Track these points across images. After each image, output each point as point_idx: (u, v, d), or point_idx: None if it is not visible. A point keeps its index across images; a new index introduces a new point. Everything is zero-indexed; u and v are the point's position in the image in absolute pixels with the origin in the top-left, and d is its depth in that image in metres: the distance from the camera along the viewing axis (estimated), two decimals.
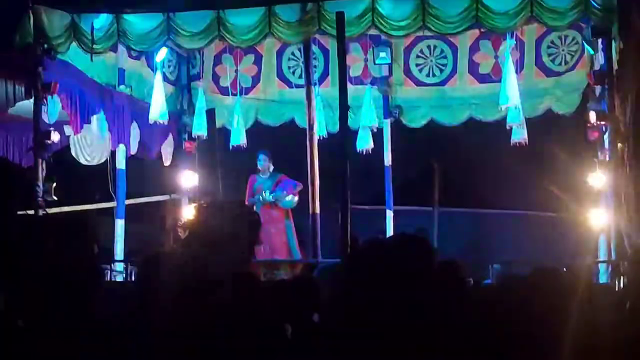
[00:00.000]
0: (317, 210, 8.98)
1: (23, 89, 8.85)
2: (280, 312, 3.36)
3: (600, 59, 9.05)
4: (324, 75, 10.59)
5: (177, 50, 10.27)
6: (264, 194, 10.11)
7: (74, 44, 9.21)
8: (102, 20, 9.25)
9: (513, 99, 9.47)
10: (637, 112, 7.91)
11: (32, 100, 8.82)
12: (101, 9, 9.25)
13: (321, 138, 9.59)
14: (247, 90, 11.03)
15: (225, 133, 10.78)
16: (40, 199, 8.71)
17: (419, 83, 10.93)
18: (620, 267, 8.04)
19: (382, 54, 10.28)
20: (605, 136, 8.88)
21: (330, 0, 8.90)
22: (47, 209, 8.73)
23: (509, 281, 2.96)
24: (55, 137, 8.92)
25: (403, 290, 2.33)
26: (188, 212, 9.82)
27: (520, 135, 9.93)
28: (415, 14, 8.78)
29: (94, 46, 9.21)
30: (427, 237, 2.70)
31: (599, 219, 8.89)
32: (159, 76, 10.00)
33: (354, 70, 10.62)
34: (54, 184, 8.89)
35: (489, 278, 9.00)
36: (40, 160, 8.89)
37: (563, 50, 10.29)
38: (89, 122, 9.53)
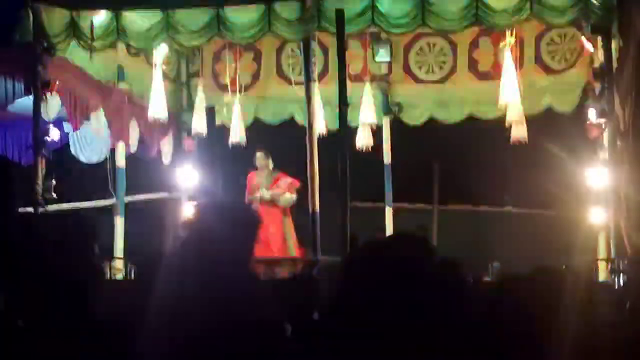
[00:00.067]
0: (317, 208, 8.98)
1: (22, 86, 8.86)
2: (280, 311, 3.35)
3: (600, 56, 9.05)
4: (324, 72, 10.58)
5: (176, 47, 10.26)
6: (261, 192, 10.12)
7: (73, 41, 9.21)
8: (101, 18, 9.24)
9: (512, 96, 9.47)
10: (636, 110, 7.91)
11: (31, 97, 8.82)
12: (100, 7, 9.24)
13: (321, 135, 9.59)
14: (247, 88, 11.02)
15: (224, 131, 10.78)
16: (39, 197, 8.71)
17: (418, 80, 10.93)
18: (619, 265, 8.05)
19: (382, 51, 10.27)
20: (605, 134, 8.88)
21: None
22: (46, 207, 8.74)
23: (508, 280, 2.96)
24: (55, 135, 8.92)
25: (402, 289, 2.33)
26: (188, 211, 9.83)
27: (519, 133, 9.93)
28: (414, 11, 8.78)
29: (94, 44, 9.20)
30: (426, 235, 2.71)
31: (599, 218, 8.89)
32: (158, 74, 9.99)
33: (354, 68, 10.61)
34: (54, 182, 8.90)
35: (488, 276, 9.02)
36: (39, 158, 8.89)
37: (563, 48, 10.28)
38: (88, 119, 9.53)
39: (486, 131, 10.47)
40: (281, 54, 10.98)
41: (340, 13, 8.52)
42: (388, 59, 10.44)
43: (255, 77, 11.11)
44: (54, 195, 8.88)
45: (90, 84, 9.49)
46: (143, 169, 10.55)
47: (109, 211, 9.94)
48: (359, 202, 9.90)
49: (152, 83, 9.87)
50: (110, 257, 9.23)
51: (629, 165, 8.06)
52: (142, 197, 10.84)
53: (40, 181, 8.78)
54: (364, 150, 10.63)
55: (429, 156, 12.04)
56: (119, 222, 9.82)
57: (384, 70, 10.85)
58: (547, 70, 10.38)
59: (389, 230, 10.48)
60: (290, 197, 10.17)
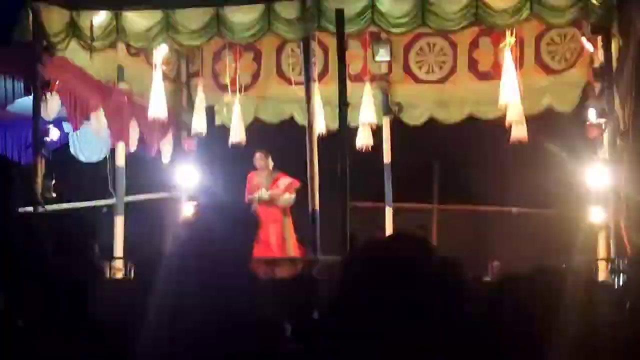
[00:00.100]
0: (317, 208, 8.98)
1: (22, 86, 8.86)
2: (280, 311, 3.36)
3: (600, 56, 9.05)
4: (324, 72, 10.58)
5: (176, 47, 10.26)
6: (261, 192, 10.13)
7: (73, 41, 9.21)
8: (101, 18, 9.24)
9: (512, 96, 9.47)
10: (636, 109, 7.91)
11: (31, 97, 8.82)
12: (100, 6, 9.24)
13: (321, 135, 9.59)
14: (247, 88, 11.02)
15: (224, 130, 10.78)
16: (39, 196, 8.71)
17: (418, 80, 10.92)
18: (619, 265, 8.05)
19: (382, 51, 10.27)
20: (605, 134, 8.88)
21: None
22: (46, 207, 8.74)
23: (508, 280, 2.96)
24: (55, 135, 8.92)
25: (402, 289, 2.33)
26: (187, 211, 9.83)
27: (519, 132, 9.93)
28: (414, 11, 8.78)
29: (93, 43, 9.20)
30: (426, 235, 2.71)
31: (599, 217, 8.89)
32: (158, 73, 9.98)
33: (354, 68, 10.61)
34: (54, 181, 8.90)
35: (488, 276, 9.02)
36: (39, 158, 8.89)
37: (563, 48, 10.28)
38: (88, 119, 9.53)
39: (486, 131, 10.47)
40: (281, 54, 10.98)
41: (340, 13, 8.52)
42: (388, 59, 10.43)
43: (255, 77, 11.11)
44: (54, 195, 8.88)
45: (90, 83, 9.49)
46: (143, 169, 10.55)
47: (108, 211, 9.95)
48: (359, 202, 9.89)
49: (152, 83, 9.87)
50: (110, 256, 9.23)
51: (629, 165, 8.06)
52: (142, 197, 10.84)
53: (39, 181, 8.78)
54: (364, 150, 10.62)
55: (429, 156, 12.03)
56: (119, 222, 9.82)
57: (384, 70, 10.85)
58: (547, 70, 10.38)
59: (389, 230, 10.48)
60: (289, 197, 10.18)
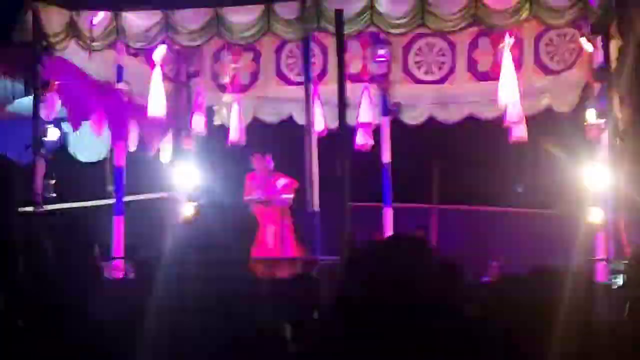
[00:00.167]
0: (317, 208, 8.98)
1: (22, 86, 8.86)
2: (280, 311, 3.36)
3: (599, 56, 9.05)
4: (323, 72, 10.58)
5: (176, 47, 10.26)
6: (259, 192, 10.14)
7: (72, 41, 9.21)
8: (100, 18, 9.24)
9: (512, 96, 9.47)
10: (635, 110, 7.92)
11: (30, 97, 8.82)
12: (100, 7, 9.24)
13: (320, 135, 9.58)
14: (246, 87, 11.02)
15: (223, 130, 10.78)
16: (39, 196, 8.71)
17: (417, 81, 10.91)
18: (618, 266, 8.05)
19: (381, 52, 10.27)
20: (604, 134, 8.88)
21: None
22: (46, 207, 8.74)
23: (508, 280, 2.96)
24: (54, 135, 8.92)
25: (402, 290, 2.33)
26: (187, 211, 9.83)
27: (519, 133, 9.92)
28: (414, 11, 8.78)
29: (93, 43, 9.21)
30: (426, 236, 2.72)
31: (598, 217, 8.89)
32: (157, 73, 9.98)
33: (353, 68, 10.61)
34: (54, 181, 8.90)
35: (487, 276, 9.02)
36: (38, 158, 8.89)
37: (562, 48, 10.27)
38: (87, 119, 9.53)
39: (485, 131, 10.47)
40: (280, 54, 10.97)
41: (339, 14, 8.52)
42: (387, 59, 10.43)
43: (255, 77, 11.10)
44: (54, 194, 8.88)
45: (90, 84, 9.48)
46: (142, 169, 10.55)
47: (108, 211, 9.95)
48: (358, 202, 9.89)
49: (151, 83, 9.87)
50: (110, 257, 9.23)
51: (628, 165, 8.06)
52: (142, 196, 10.84)
53: (39, 181, 8.78)
54: (363, 150, 10.62)
55: (429, 156, 12.03)
56: (119, 222, 9.82)
57: (383, 70, 10.84)
58: (546, 70, 10.37)
59: (389, 231, 10.48)
60: (288, 197, 10.18)
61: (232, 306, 2.69)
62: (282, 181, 10.27)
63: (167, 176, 10.81)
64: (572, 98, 10.17)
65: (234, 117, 10.68)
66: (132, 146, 10.18)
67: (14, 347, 2.59)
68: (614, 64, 8.53)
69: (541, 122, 10.23)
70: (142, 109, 10.00)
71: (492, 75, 10.35)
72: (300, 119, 10.43)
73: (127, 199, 10.09)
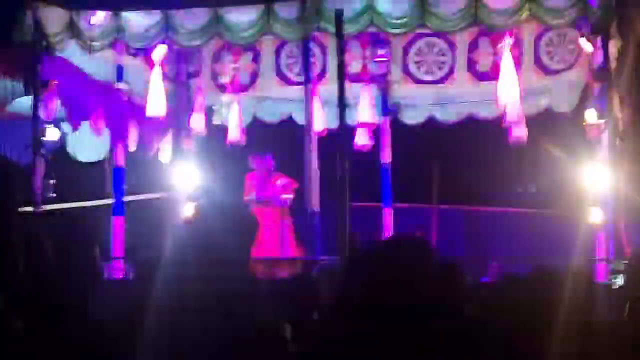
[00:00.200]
0: (316, 208, 8.97)
1: (21, 86, 8.86)
2: (280, 311, 3.36)
3: (599, 57, 9.05)
4: (323, 72, 10.57)
5: (175, 47, 10.25)
6: (259, 192, 10.14)
7: (72, 41, 9.21)
8: (100, 18, 9.24)
9: (511, 97, 9.47)
10: (635, 110, 7.92)
11: (30, 97, 8.82)
12: (100, 7, 9.24)
13: (319, 135, 9.58)
14: (246, 87, 11.01)
15: (223, 130, 10.78)
16: (38, 197, 8.71)
17: (417, 81, 10.91)
18: (618, 266, 8.05)
19: (381, 52, 10.27)
20: (604, 134, 8.88)
21: None
22: (45, 207, 8.73)
23: (508, 281, 2.96)
24: (54, 135, 8.91)
25: (402, 291, 2.33)
26: (186, 211, 9.82)
27: (518, 133, 9.92)
28: (413, 11, 8.78)
29: (92, 43, 9.20)
30: (426, 237, 2.71)
31: (598, 218, 8.89)
32: (157, 73, 9.98)
33: (352, 68, 10.60)
34: (53, 181, 8.90)
35: (487, 276, 9.02)
36: (38, 158, 8.88)
37: (562, 49, 10.27)
38: (87, 119, 9.52)
39: (485, 131, 10.47)
40: (280, 54, 10.97)
41: (339, 14, 8.52)
42: (387, 59, 10.43)
43: (254, 76, 11.09)
44: (54, 195, 8.88)
45: (90, 84, 9.48)
46: (142, 169, 10.55)
47: (108, 211, 9.94)
48: (358, 202, 9.89)
49: (151, 83, 9.87)
50: (109, 257, 9.23)
51: (629, 165, 8.06)
52: (141, 197, 10.84)
53: (39, 181, 8.78)
54: (363, 151, 10.62)
55: (429, 156, 12.03)
56: (118, 222, 9.82)
57: (382, 70, 10.84)
58: (546, 70, 10.36)
59: (389, 231, 10.48)
60: (287, 197, 10.19)
61: (232, 306, 2.68)
62: (281, 181, 10.27)
63: (166, 176, 10.82)
64: (572, 98, 10.18)
65: (233, 117, 10.68)
66: (132, 146, 10.17)
67: (14, 347, 2.59)
68: (613, 64, 8.53)
69: (541, 122, 10.24)
70: (142, 109, 10.00)
71: (491, 75, 10.35)
72: (300, 119, 10.44)
73: (126, 199, 10.08)
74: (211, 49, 10.75)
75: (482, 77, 10.60)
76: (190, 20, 9.18)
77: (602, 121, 8.78)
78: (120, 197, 9.92)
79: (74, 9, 9.21)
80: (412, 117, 11.05)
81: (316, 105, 9.84)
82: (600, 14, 8.38)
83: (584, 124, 9.13)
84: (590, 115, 8.96)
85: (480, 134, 10.69)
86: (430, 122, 10.97)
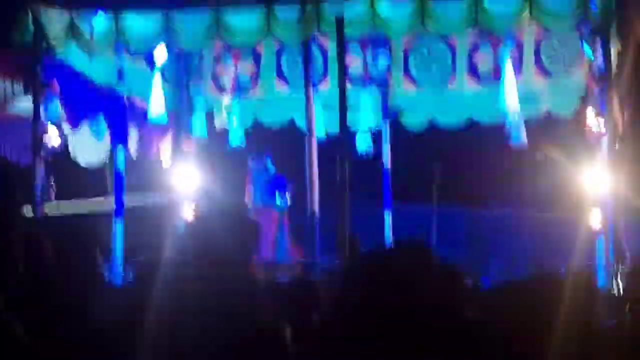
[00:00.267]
0: (316, 210, 8.98)
1: (22, 87, 8.86)
2: (280, 313, 3.35)
3: (599, 60, 9.05)
4: (324, 75, 10.58)
5: (176, 49, 10.26)
6: (259, 195, 10.17)
7: (72, 42, 9.21)
8: (100, 20, 9.25)
9: (512, 101, 9.47)
10: (635, 113, 7.92)
11: (30, 98, 8.83)
12: (100, 8, 9.24)
13: (320, 138, 9.59)
14: (246, 90, 11.02)
15: (224, 133, 10.78)
16: (38, 198, 8.71)
17: (418, 84, 10.92)
18: (618, 269, 8.05)
19: (381, 55, 10.28)
20: (604, 138, 8.88)
21: (329, 1, 8.89)
22: (45, 209, 8.73)
23: (508, 284, 2.96)
24: (54, 136, 8.92)
25: (402, 295, 2.33)
26: (187, 213, 9.83)
27: (519, 136, 9.93)
28: (414, 15, 8.78)
29: (93, 46, 9.21)
30: (425, 241, 2.71)
31: (598, 221, 8.89)
32: (158, 76, 9.99)
33: (353, 71, 10.60)
34: (54, 184, 8.90)
35: (487, 277, 9.01)
36: (38, 160, 8.89)
37: (562, 52, 10.28)
38: (87, 121, 9.52)
39: (486, 134, 10.47)
40: (281, 57, 10.97)
41: (339, 19, 8.53)
42: (388, 63, 10.44)
43: (255, 79, 11.10)
44: (54, 196, 8.89)
45: (90, 85, 9.48)
46: (143, 171, 10.55)
47: (108, 213, 9.94)
48: (358, 204, 9.89)
49: (151, 85, 9.87)
50: (110, 259, 9.22)
51: (629, 167, 8.07)
52: (142, 199, 10.84)
53: (39, 183, 8.78)
54: (365, 154, 10.62)
55: (429, 159, 12.03)
56: (119, 225, 9.81)
57: (383, 73, 10.84)
58: (547, 74, 10.38)
59: (388, 232, 10.48)
60: (284, 199, 10.21)
61: (232, 307, 2.68)
62: (281, 183, 10.27)
63: (167, 179, 10.82)
64: (572, 101, 10.18)
65: (234, 120, 10.68)
66: (132, 149, 10.17)
67: (14, 348, 2.59)
68: (613, 68, 8.54)
69: (541, 125, 10.24)
70: (142, 111, 10.01)
71: (492, 78, 10.36)
72: (300, 122, 10.44)
73: (127, 201, 10.08)
74: (212, 51, 10.76)
75: (482, 80, 10.61)
76: (191, 23, 9.19)
77: (602, 124, 8.78)
78: (120, 200, 9.92)
79: (74, 11, 9.21)
80: (412, 121, 11.05)
81: (317, 109, 9.85)
82: (600, 16, 8.39)
83: (584, 127, 9.13)
84: (590, 118, 8.96)
85: (481, 137, 10.69)
86: (431, 125, 10.97)
